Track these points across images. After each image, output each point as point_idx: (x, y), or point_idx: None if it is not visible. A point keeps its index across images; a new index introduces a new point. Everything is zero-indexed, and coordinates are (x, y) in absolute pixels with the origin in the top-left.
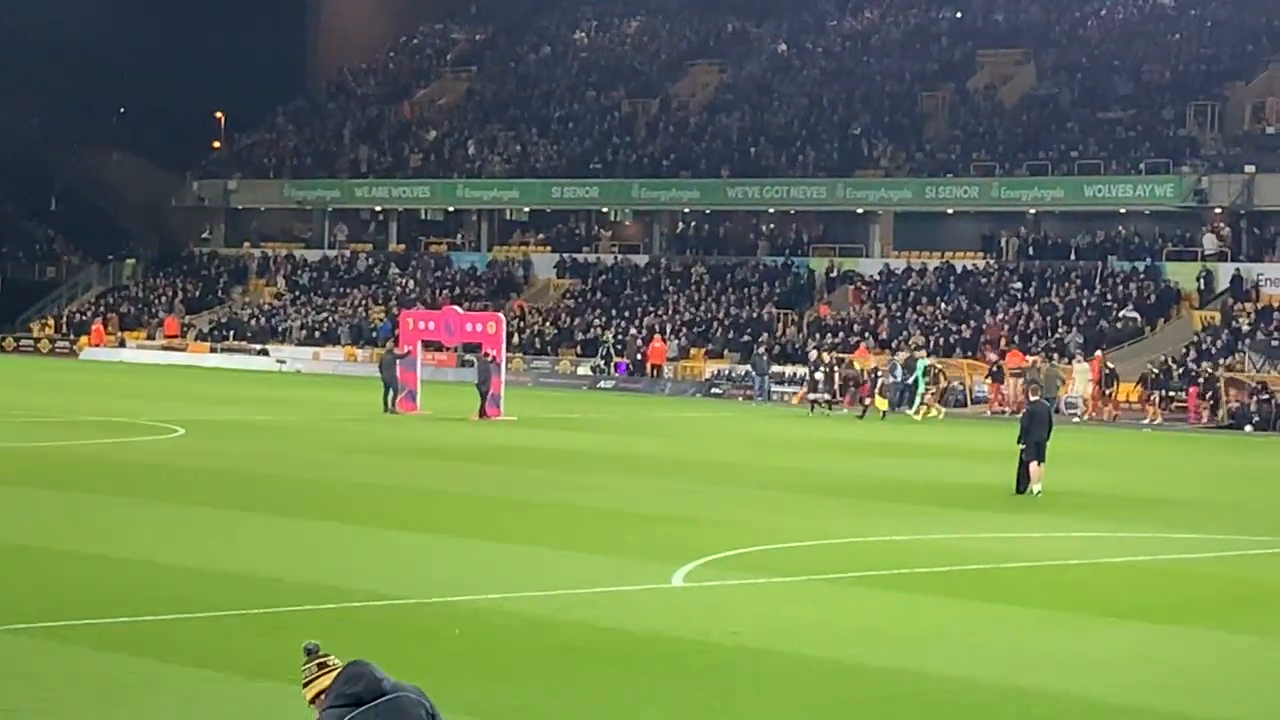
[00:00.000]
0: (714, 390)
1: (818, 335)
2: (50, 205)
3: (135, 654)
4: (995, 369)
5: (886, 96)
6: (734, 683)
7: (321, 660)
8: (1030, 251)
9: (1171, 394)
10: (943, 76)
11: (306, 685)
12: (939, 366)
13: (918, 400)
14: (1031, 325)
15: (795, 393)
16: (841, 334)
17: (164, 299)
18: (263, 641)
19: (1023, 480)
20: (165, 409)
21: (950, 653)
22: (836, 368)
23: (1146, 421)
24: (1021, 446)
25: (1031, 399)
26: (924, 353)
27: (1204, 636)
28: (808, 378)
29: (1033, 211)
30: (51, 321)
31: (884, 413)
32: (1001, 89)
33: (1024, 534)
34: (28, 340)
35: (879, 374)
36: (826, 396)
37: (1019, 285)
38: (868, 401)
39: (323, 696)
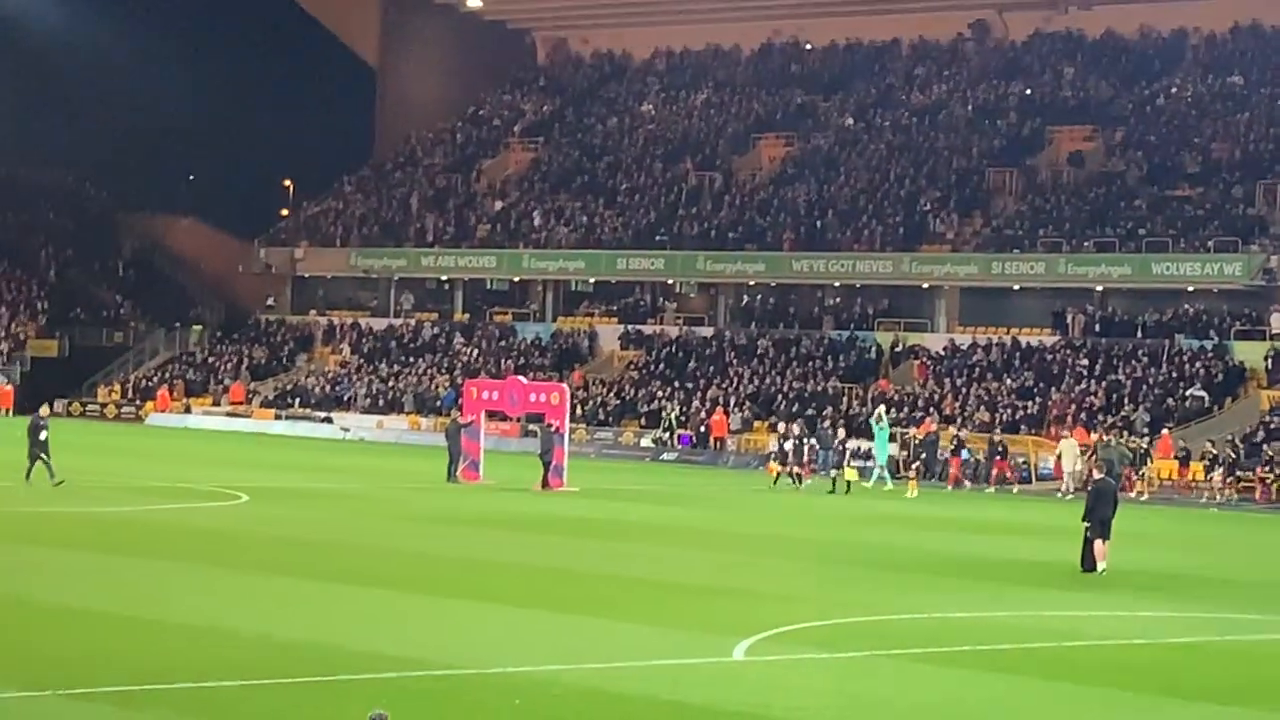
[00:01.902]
0: None
1: (880, 410)
2: (118, 271)
3: None
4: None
5: (953, 171)
6: None
7: None
8: (1097, 328)
9: (1240, 473)
10: (1010, 152)
11: None
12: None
13: (876, 468)
14: (1097, 403)
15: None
16: (906, 408)
17: (229, 365)
18: (323, 709)
19: (1088, 558)
20: (229, 475)
21: None
22: (805, 440)
23: (1204, 500)
24: (1086, 524)
25: (1096, 476)
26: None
27: (1269, 719)
28: (777, 449)
29: (1100, 288)
30: (118, 387)
31: (849, 484)
32: (1069, 165)
33: (1088, 612)
34: (94, 405)
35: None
36: (797, 469)
37: (1085, 362)
38: (834, 473)
39: None
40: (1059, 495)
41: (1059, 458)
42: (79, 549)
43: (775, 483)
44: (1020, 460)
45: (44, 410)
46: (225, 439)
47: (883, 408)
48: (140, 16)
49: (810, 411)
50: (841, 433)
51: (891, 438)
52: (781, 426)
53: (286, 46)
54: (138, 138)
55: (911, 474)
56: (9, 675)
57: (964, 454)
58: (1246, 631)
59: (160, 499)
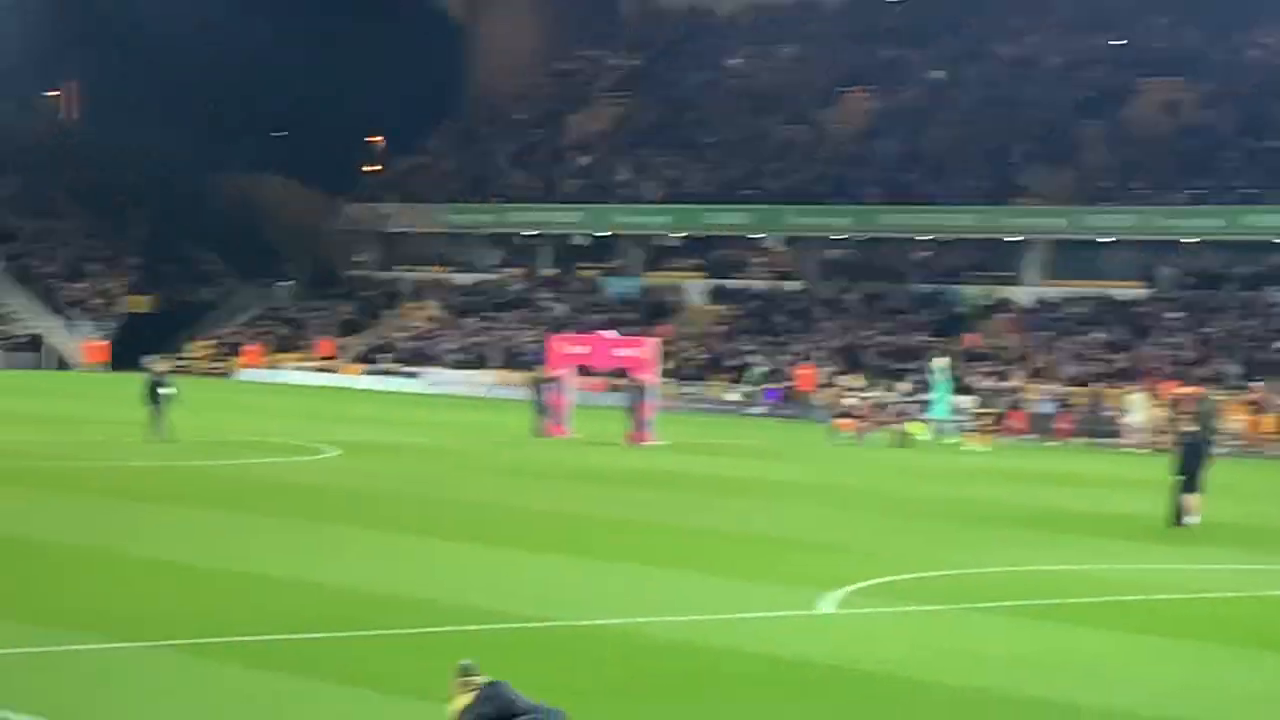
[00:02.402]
0: None
1: (969, 364)
2: (209, 228)
3: (287, 672)
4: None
5: (1043, 124)
6: (882, 711)
7: (466, 680)
8: (1188, 281)
9: None
10: (1101, 104)
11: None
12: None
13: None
14: (1188, 356)
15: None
16: (995, 362)
17: (319, 321)
18: (414, 661)
19: (1178, 511)
20: (318, 430)
21: (1102, 685)
22: (865, 396)
23: None
24: (1178, 477)
25: (1187, 430)
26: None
27: None
28: (838, 404)
29: (1191, 241)
30: (208, 342)
31: (913, 438)
32: (1161, 117)
33: (1179, 565)
34: (184, 361)
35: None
36: (858, 425)
37: (1176, 315)
38: (903, 429)
39: (462, 713)
40: (1136, 450)
41: (1128, 412)
42: (169, 503)
43: (858, 437)
44: (1112, 413)
45: (159, 366)
46: (314, 394)
47: (945, 359)
48: None
49: (898, 366)
50: (907, 386)
51: (964, 390)
52: (842, 381)
53: (375, 4)
54: (227, 96)
55: (975, 428)
56: (99, 625)
57: (1047, 408)
58: None
59: (251, 453)
